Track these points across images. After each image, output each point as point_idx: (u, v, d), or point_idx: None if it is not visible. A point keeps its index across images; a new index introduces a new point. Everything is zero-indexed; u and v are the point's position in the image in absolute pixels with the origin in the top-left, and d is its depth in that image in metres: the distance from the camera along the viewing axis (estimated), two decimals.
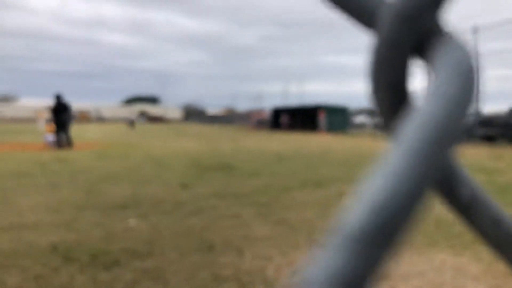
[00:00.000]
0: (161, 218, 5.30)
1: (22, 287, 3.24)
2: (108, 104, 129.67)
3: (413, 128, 0.21)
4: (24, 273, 3.49)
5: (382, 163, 0.21)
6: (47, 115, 17.21)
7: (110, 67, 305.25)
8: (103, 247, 4.14)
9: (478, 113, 20.77)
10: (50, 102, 16.92)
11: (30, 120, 79.63)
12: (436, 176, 0.21)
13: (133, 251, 4.03)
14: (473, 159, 12.45)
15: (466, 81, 0.24)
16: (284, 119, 43.74)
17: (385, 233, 0.20)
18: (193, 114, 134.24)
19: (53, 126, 16.49)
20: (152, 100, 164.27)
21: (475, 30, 19.33)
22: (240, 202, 6.23)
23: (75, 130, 21.73)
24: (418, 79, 0.28)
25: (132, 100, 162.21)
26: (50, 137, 16.68)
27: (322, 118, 30.42)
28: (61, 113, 16.37)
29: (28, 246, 4.16)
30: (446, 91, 0.23)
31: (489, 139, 20.19)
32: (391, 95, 0.28)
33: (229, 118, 76.78)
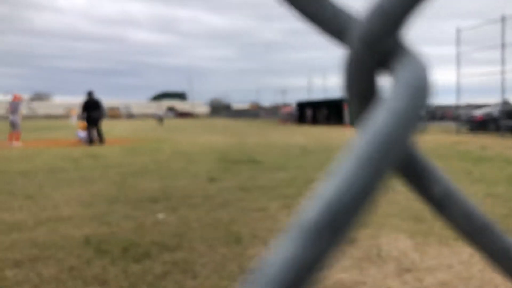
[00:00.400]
0: (190, 211, 5.34)
1: (57, 279, 3.32)
2: (137, 100, 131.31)
3: (362, 140, 0.24)
4: (59, 265, 3.57)
5: (337, 166, 0.24)
6: (79, 111, 17.48)
7: (138, 64, 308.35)
8: (134, 240, 4.20)
9: (505, 104, 20.18)
10: (81, 99, 17.16)
11: (62, 117, 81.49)
12: (383, 179, 0.24)
13: (163, 244, 4.08)
14: (502, 151, 12.12)
15: (416, 97, 0.26)
16: (309, 113, 43.49)
17: (334, 227, 0.22)
18: (219, 108, 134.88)
19: (84, 123, 16.77)
20: (180, 95, 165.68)
21: (503, 19, 18.74)
22: (267, 195, 6.23)
23: (106, 126, 22.08)
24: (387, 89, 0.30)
25: (160, 96, 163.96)
26: (82, 133, 16.98)
27: (347, 111, 30.11)
28: (93, 110, 16.62)
29: (62, 239, 4.26)
30: (394, 106, 0.25)
31: None
32: (360, 102, 0.30)
33: (255, 112, 76.88)
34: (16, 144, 15.49)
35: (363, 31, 0.27)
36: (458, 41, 21.73)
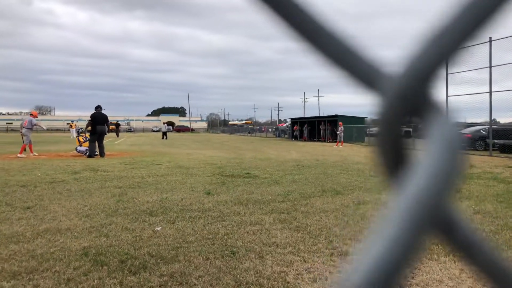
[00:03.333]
0: (187, 224, 5.30)
1: None
2: (137, 115, 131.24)
3: (402, 203, 0.25)
4: (57, 277, 3.52)
5: (377, 230, 0.24)
6: (86, 124, 17.61)
7: (137, 80, 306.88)
8: (132, 252, 4.16)
9: (494, 124, 20.32)
10: (81, 113, 17.37)
11: (63, 130, 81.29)
12: (424, 240, 0.24)
13: (160, 256, 4.04)
14: (490, 169, 12.16)
15: (452, 158, 0.27)
16: (304, 129, 43.53)
17: None
18: (216, 124, 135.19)
19: (88, 136, 16.73)
20: (178, 111, 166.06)
21: (490, 41, 18.97)
22: (262, 209, 6.20)
23: (106, 140, 21.98)
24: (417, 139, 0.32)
25: (159, 112, 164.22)
26: (80, 147, 16.98)
27: (340, 128, 30.14)
28: (100, 123, 16.52)
29: (60, 250, 4.21)
30: (432, 169, 0.26)
31: (505, 149, 19.72)
32: (392, 158, 0.31)
33: (251, 128, 77.04)
34: (21, 155, 16.07)
35: (398, 85, 0.30)
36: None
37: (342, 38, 0.31)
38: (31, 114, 17.65)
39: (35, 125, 17.28)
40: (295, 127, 44.79)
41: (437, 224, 0.28)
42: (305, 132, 42.89)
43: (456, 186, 0.27)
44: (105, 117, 16.90)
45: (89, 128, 16.73)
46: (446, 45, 0.29)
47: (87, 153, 16.16)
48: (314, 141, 39.92)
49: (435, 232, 0.32)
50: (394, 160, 0.31)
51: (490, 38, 18.87)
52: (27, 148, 16.60)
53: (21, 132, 17.06)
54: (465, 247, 0.33)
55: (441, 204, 0.26)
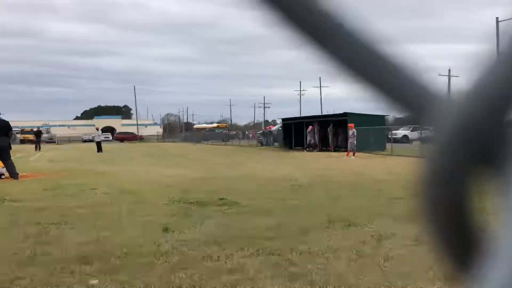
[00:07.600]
0: (135, 274, 5.26)
1: None
2: (61, 119, 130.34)
3: None
4: None
5: None
6: None
7: (60, 68, 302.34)
8: None
9: None
10: None
11: None
12: None
13: None
14: None
15: None
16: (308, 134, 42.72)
17: None
18: (175, 129, 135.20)
19: None
20: (120, 111, 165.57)
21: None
22: (243, 250, 6.19)
23: (16, 154, 21.74)
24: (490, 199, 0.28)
25: (93, 113, 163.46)
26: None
27: (351, 132, 30.23)
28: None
29: None
30: None
31: None
32: (453, 226, 0.28)
33: (226, 134, 77.32)
34: None
35: (460, 116, 0.27)
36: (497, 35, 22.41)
37: (374, 43, 0.29)
38: None
39: None
40: (309, 127, 42.06)
41: None
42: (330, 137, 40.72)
43: None
44: (6, 125, 16.65)
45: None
46: None
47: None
48: (314, 150, 40.08)
49: None
50: (459, 242, 0.28)
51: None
52: None
53: None
54: None
55: None
